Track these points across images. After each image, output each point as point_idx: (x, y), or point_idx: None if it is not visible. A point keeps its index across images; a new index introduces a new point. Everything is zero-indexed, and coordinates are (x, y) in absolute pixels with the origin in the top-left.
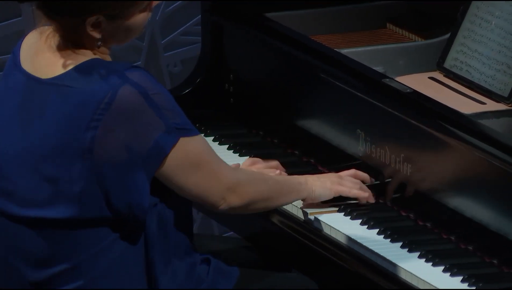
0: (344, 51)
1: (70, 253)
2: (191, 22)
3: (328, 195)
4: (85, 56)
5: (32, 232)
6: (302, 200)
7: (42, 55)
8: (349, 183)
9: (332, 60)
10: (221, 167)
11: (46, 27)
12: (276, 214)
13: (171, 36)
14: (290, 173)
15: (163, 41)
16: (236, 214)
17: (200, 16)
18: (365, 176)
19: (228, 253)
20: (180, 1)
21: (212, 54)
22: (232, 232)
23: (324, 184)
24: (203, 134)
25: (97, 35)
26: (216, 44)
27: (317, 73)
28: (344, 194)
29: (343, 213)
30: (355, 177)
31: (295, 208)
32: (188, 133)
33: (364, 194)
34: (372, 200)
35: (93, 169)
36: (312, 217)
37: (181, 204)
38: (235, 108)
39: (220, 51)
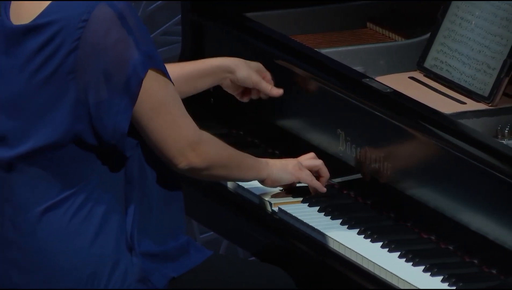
0: (325, 51)
1: (57, 188)
2: (171, 21)
3: (288, 179)
4: None
5: (21, 173)
6: (261, 182)
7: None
8: (308, 172)
9: (312, 60)
10: (186, 121)
11: None
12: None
13: (152, 35)
14: None
15: None
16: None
17: (180, 15)
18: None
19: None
20: (160, 1)
21: (192, 53)
22: (212, 232)
23: (285, 167)
24: None
25: None
26: (196, 44)
27: (297, 73)
28: (304, 182)
29: (323, 213)
30: (313, 164)
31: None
32: (156, 64)
33: (322, 189)
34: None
35: (78, 92)
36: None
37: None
38: (215, 108)
39: (200, 50)
